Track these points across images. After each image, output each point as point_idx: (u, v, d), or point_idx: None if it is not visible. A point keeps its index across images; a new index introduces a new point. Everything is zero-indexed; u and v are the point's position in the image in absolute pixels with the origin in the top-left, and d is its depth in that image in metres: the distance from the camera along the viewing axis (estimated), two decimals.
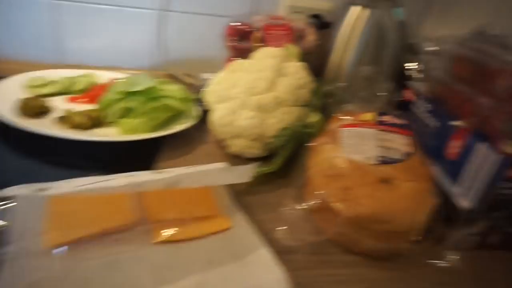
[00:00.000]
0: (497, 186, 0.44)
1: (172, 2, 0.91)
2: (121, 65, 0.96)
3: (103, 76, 0.82)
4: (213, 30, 0.83)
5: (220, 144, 0.69)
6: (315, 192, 0.51)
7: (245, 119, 0.61)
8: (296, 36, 0.78)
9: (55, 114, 0.67)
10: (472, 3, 0.78)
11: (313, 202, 0.52)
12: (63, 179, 0.47)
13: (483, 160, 0.46)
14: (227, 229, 0.45)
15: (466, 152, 0.49)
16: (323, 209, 0.50)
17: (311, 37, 0.79)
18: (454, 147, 0.51)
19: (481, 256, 0.51)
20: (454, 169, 0.51)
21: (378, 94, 0.63)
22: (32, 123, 0.62)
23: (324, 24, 0.85)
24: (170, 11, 0.92)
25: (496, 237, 0.51)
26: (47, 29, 0.92)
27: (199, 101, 0.76)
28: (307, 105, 0.64)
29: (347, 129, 0.55)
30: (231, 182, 0.51)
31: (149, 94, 0.70)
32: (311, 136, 0.61)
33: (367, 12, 0.70)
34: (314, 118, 0.61)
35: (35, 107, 0.66)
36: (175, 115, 0.73)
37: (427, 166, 0.51)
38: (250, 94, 0.60)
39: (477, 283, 0.47)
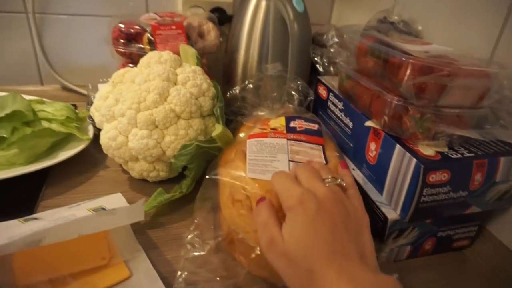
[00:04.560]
0: (421, 193, 0.39)
1: (48, 3, 0.76)
2: None
3: None
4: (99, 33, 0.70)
5: (123, 167, 0.58)
6: (224, 222, 0.43)
7: (137, 140, 0.50)
8: (195, 35, 0.68)
9: None
10: None
11: (223, 233, 0.44)
12: None
13: (402, 165, 0.40)
14: (126, 278, 0.40)
15: (384, 156, 0.44)
16: (236, 241, 0.42)
17: (213, 34, 0.70)
18: (371, 150, 0.46)
19: (414, 265, 0.47)
20: (378, 174, 0.46)
21: (288, 93, 0.57)
22: None
23: (226, 18, 0.76)
24: (46, 13, 0.77)
25: (428, 243, 0.47)
26: None
27: (91, 119, 0.64)
28: (210, 114, 0.55)
29: (254, 141, 0.48)
30: (112, 227, 0.41)
31: (21, 118, 0.59)
32: (218, 151, 0.52)
33: (267, 4, 0.62)
34: (219, 129, 0.52)
35: None
36: (62, 140, 0.62)
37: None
38: (137, 109, 0.50)
39: None
